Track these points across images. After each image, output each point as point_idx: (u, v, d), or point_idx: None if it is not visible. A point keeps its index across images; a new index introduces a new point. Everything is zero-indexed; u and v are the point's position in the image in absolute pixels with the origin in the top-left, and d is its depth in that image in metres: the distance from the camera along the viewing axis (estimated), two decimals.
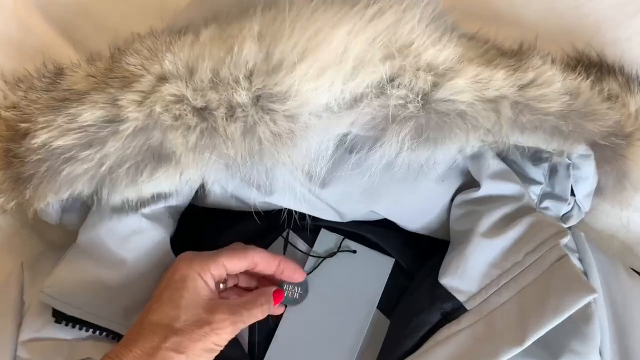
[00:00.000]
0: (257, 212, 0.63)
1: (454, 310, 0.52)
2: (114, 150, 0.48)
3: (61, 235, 0.66)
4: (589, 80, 0.53)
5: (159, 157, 0.48)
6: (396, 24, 0.48)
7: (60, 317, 0.54)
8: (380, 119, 0.48)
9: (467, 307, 0.52)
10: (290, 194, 0.56)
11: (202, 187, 0.59)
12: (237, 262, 0.54)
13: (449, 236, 0.58)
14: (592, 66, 0.60)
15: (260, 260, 0.55)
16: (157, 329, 0.49)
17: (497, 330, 0.49)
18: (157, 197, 0.56)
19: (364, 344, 0.58)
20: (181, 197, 0.57)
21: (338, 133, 0.49)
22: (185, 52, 0.47)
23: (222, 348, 0.52)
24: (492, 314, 0.50)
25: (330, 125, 0.48)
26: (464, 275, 0.52)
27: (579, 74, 0.52)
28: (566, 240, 0.51)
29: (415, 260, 0.60)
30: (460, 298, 0.52)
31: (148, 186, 0.50)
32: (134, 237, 0.55)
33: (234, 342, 0.58)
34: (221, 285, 0.57)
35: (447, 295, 0.53)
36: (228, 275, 0.57)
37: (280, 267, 0.56)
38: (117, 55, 0.50)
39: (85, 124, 0.48)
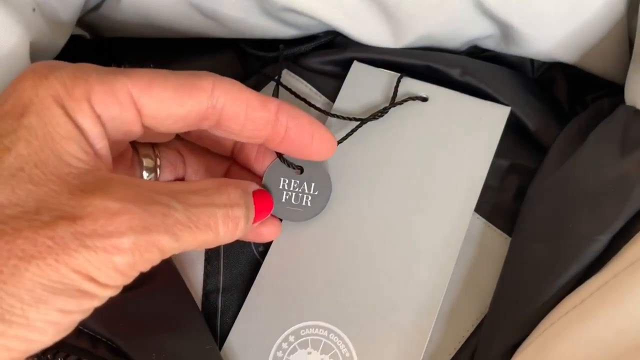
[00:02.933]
0: (227, 43, 0.33)
1: None
2: None
3: None
4: None
5: None
6: None
7: None
8: None
9: None
10: None
11: None
12: (171, 98, 0.22)
13: (619, 66, 0.29)
14: None
15: (232, 104, 0.23)
16: None
17: None
18: None
19: (459, 281, 0.27)
20: None
21: None
22: None
23: (109, 291, 0.20)
24: None
25: None
26: None
27: None
28: None
29: (547, 117, 0.30)
30: None
31: None
32: None
33: (174, 284, 0.27)
34: (145, 173, 0.27)
35: None
36: (158, 148, 0.27)
37: (280, 125, 0.24)
38: None
39: None
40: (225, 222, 0.23)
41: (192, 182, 0.24)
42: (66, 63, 0.22)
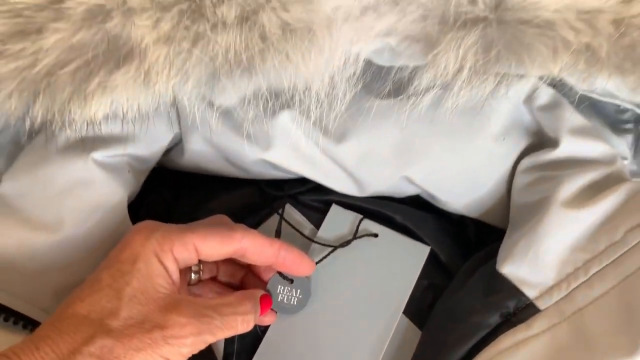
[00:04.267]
0: (250, 181, 0.48)
1: (520, 310, 0.37)
2: (55, 42, 0.34)
3: None
4: None
5: (117, 54, 0.34)
6: None
7: None
8: (434, 21, 0.34)
9: (540, 305, 0.37)
10: (292, 149, 0.42)
11: (178, 143, 0.45)
12: (217, 245, 0.38)
13: (505, 222, 0.43)
14: None
15: (252, 246, 0.39)
16: (82, 324, 0.34)
17: (590, 336, 0.34)
18: (114, 140, 0.41)
19: None
20: (148, 144, 0.42)
21: (371, 48, 0.35)
22: None
23: None
24: (581, 314, 0.35)
25: (363, 26, 0.34)
26: (536, 261, 0.37)
27: None
28: None
29: (456, 253, 0.45)
30: (530, 293, 0.37)
31: (101, 100, 0.35)
32: (78, 189, 0.40)
33: (205, 351, 0.42)
34: (192, 276, 0.42)
35: (509, 289, 0.38)
36: (203, 262, 0.42)
37: (280, 257, 0.40)
38: None
39: (19, 5, 0.34)
40: (242, 323, 0.38)
41: (224, 297, 0.39)
42: (158, 225, 0.38)
